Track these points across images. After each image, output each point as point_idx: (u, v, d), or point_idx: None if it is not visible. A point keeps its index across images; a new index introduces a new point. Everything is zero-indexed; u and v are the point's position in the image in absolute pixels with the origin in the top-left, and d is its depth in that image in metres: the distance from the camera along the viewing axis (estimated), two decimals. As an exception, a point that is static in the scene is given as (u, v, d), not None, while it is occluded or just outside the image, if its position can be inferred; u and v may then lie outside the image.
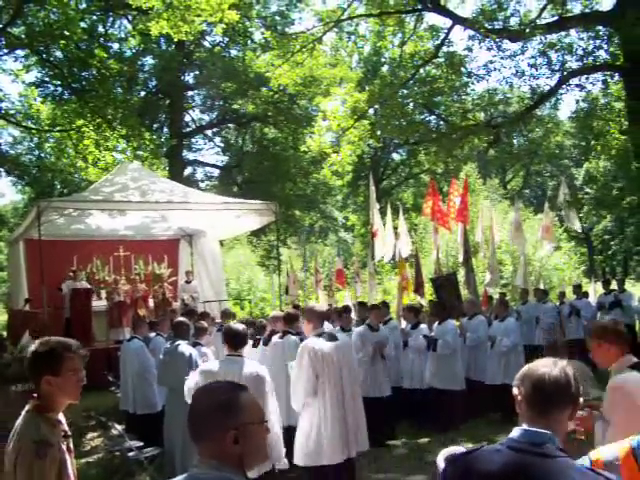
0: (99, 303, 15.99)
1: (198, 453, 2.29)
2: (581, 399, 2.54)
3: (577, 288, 16.39)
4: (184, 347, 8.15)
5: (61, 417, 3.43)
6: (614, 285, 16.87)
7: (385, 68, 34.59)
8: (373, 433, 9.62)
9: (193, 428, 2.30)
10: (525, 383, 2.55)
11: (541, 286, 17.82)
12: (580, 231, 25.48)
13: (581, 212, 41.81)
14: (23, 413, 3.33)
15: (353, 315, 12.29)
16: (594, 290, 18.59)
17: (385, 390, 10.03)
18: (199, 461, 2.27)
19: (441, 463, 3.36)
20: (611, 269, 51.38)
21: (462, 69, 20.95)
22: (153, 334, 10.74)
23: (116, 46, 29.46)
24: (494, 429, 10.26)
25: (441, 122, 23.96)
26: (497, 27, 18.86)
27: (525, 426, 2.50)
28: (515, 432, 2.52)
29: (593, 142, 20.92)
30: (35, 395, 3.33)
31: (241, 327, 6.52)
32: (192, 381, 6.34)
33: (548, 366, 2.53)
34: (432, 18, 30.11)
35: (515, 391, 2.60)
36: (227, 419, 2.24)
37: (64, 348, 3.34)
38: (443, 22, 33.99)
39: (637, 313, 15.51)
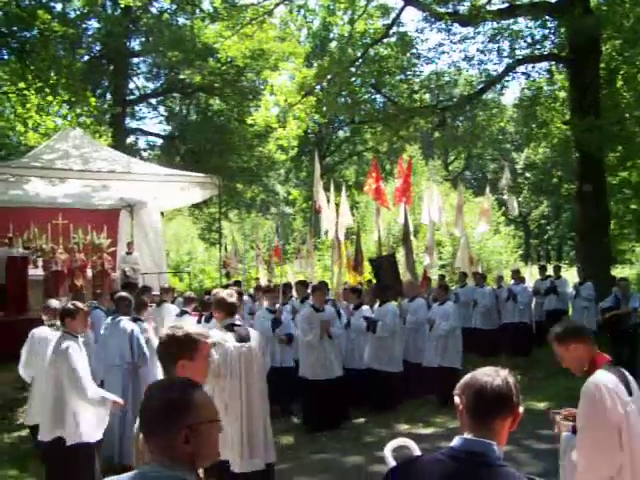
0: (35, 272, 15.63)
1: (149, 450, 2.26)
2: (521, 408, 2.53)
3: (516, 273, 16.69)
4: (125, 323, 8.07)
5: None
6: (550, 271, 17.24)
7: (334, 44, 34.44)
8: (325, 415, 9.71)
9: (145, 425, 2.27)
10: (466, 392, 2.52)
11: (479, 270, 18.09)
12: (516, 216, 26.00)
13: (520, 197, 42.58)
14: None
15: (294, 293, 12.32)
16: (530, 274, 18.95)
17: (336, 371, 9.86)
18: (151, 459, 2.24)
19: (389, 456, 3.38)
20: (546, 253, 52.48)
21: (412, 50, 21.02)
22: (94, 304, 10.66)
23: (59, 7, 28.68)
24: (430, 411, 10.44)
25: (387, 102, 23.99)
26: (448, 10, 18.94)
27: (466, 435, 2.47)
28: (456, 441, 2.49)
29: (536, 130, 21.26)
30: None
31: None
32: None
33: (490, 375, 2.50)
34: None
35: (457, 400, 2.56)
36: (179, 418, 2.21)
37: (199, 334, 3.41)
38: (394, 2, 33.99)
39: (570, 299, 15.88)
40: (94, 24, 30.01)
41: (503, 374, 2.52)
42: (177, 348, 3.36)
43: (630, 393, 3.98)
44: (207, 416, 2.27)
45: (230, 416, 5.73)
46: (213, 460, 2.33)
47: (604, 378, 3.93)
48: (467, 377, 2.58)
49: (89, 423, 6.12)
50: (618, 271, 28.94)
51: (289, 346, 10.70)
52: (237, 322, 6.12)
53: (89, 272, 16.14)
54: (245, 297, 11.60)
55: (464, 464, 2.39)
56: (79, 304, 6.50)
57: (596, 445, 3.86)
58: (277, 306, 10.77)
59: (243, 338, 6.02)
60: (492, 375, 2.51)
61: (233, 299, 6.12)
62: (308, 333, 9.75)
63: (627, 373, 4.11)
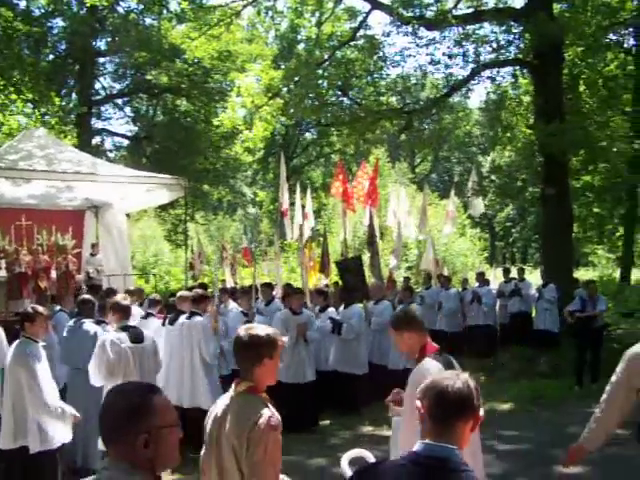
0: (-2, 274, 15.42)
1: (109, 455, 2.27)
2: (481, 411, 2.58)
3: (480, 276, 16.85)
4: (88, 325, 8.03)
5: None
6: (514, 273, 17.42)
7: (301, 46, 34.48)
8: (293, 418, 9.67)
9: (104, 430, 2.28)
10: (428, 396, 2.54)
11: (445, 272, 18.23)
12: (481, 217, 26.25)
13: (486, 199, 43.01)
14: (230, 396, 3.57)
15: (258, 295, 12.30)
16: (494, 276, 19.15)
17: (308, 375, 9.91)
18: (109, 463, 2.25)
19: (346, 467, 3.42)
20: (511, 255, 53.00)
21: (379, 53, 21.11)
22: (57, 308, 10.56)
23: (23, 4, 28.33)
24: (394, 413, 10.50)
25: (354, 104, 24.06)
26: (414, 15, 19.07)
27: (428, 440, 2.49)
28: (418, 446, 2.50)
29: (501, 133, 21.47)
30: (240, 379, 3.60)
31: None
32: None
33: (451, 379, 2.53)
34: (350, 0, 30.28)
35: (418, 404, 2.58)
36: (139, 422, 2.21)
37: (275, 333, 3.66)
38: (362, 5, 34.15)
39: (534, 302, 16.07)
40: (59, 23, 29.71)
41: (464, 377, 2.55)
42: (263, 347, 3.54)
43: None
44: (167, 421, 2.28)
45: None
46: (172, 465, 2.35)
47: (430, 365, 4.27)
48: (428, 381, 2.60)
49: (52, 430, 6.07)
50: (581, 273, 29.38)
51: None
52: (131, 324, 6.86)
53: (53, 274, 15.95)
54: (211, 300, 11.54)
55: (427, 469, 2.41)
56: (39, 308, 6.44)
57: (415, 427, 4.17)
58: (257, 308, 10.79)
59: (137, 339, 6.72)
60: (453, 378, 2.53)
61: (127, 302, 6.93)
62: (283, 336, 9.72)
63: (453, 360, 4.49)
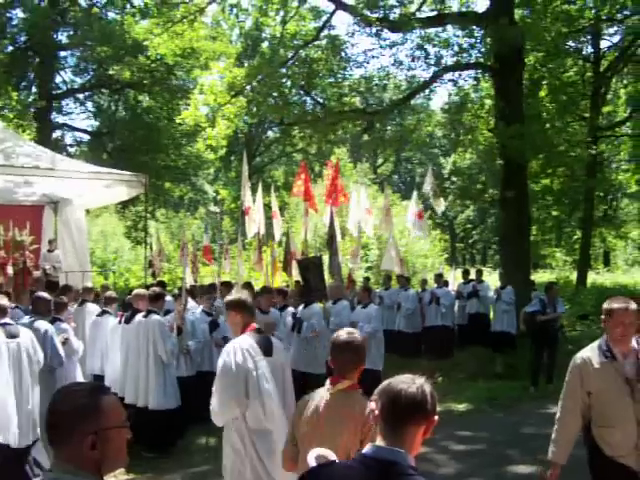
0: (-47, 269, 15.18)
1: (54, 456, 2.24)
2: (436, 417, 2.56)
3: (438, 277, 16.94)
4: (39, 323, 7.93)
5: None
6: (472, 275, 17.56)
7: (265, 44, 34.41)
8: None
9: (50, 431, 2.24)
10: (382, 398, 2.53)
11: (404, 273, 18.30)
12: (439, 219, 26.41)
13: (446, 201, 43.30)
14: (330, 393, 3.75)
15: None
16: (453, 277, 19.26)
17: None
18: (55, 465, 2.22)
19: (312, 462, 3.44)
20: (471, 257, 53.46)
21: (342, 54, 21.16)
22: (12, 305, 10.40)
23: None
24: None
25: (317, 104, 24.05)
26: (378, 16, 19.15)
27: (378, 442, 2.49)
28: (368, 448, 2.50)
29: (462, 136, 21.65)
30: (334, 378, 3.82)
31: None
32: None
33: (406, 382, 2.52)
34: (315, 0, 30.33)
35: (372, 405, 2.58)
36: (85, 424, 2.19)
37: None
38: (326, 5, 34.25)
39: (491, 303, 16.23)
40: (19, 14, 29.21)
41: (419, 382, 2.54)
42: (365, 349, 3.90)
43: (269, 354, 5.12)
44: (115, 422, 2.25)
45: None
46: (120, 467, 2.33)
47: (242, 340, 5.12)
48: (384, 383, 2.60)
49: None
50: (539, 275, 29.75)
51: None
52: (8, 321, 7.03)
53: (10, 269, 15.73)
54: (168, 298, 11.42)
55: (375, 472, 2.41)
56: None
57: (225, 390, 4.95)
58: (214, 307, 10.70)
59: (12, 335, 6.93)
60: (408, 383, 2.53)
61: (4, 302, 7.17)
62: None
63: (272, 339, 5.40)
